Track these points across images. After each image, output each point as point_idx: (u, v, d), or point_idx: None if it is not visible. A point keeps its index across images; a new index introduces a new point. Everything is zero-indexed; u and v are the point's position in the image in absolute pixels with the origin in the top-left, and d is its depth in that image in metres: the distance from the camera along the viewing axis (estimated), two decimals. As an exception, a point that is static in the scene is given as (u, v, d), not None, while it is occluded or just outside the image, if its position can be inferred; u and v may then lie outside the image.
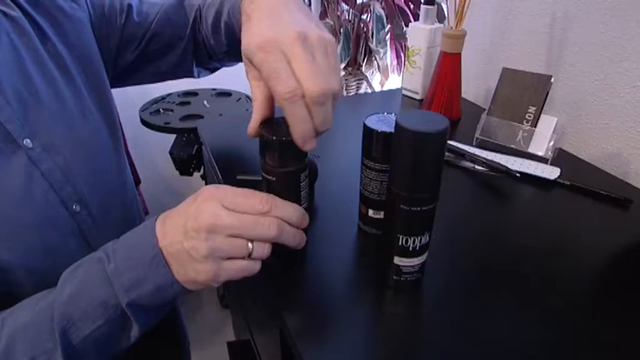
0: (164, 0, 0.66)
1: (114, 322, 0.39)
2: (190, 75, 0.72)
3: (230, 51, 0.64)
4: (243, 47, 0.40)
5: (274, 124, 0.43)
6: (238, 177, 0.61)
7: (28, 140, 0.47)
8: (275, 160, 0.42)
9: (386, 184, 0.47)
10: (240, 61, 0.60)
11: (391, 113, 0.48)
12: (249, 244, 0.38)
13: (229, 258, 0.38)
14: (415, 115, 0.38)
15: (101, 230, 0.54)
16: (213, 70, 0.75)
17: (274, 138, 0.41)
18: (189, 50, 0.67)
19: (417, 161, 0.37)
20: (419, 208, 0.39)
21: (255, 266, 0.40)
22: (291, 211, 0.41)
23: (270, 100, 0.41)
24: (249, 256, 0.38)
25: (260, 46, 0.38)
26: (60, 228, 0.50)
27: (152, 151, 1.91)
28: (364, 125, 0.46)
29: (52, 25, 0.53)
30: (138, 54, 0.65)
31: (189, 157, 1.60)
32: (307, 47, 0.38)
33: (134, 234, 0.41)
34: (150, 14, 0.65)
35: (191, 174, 1.68)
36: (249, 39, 0.40)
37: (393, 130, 0.44)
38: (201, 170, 1.70)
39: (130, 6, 0.63)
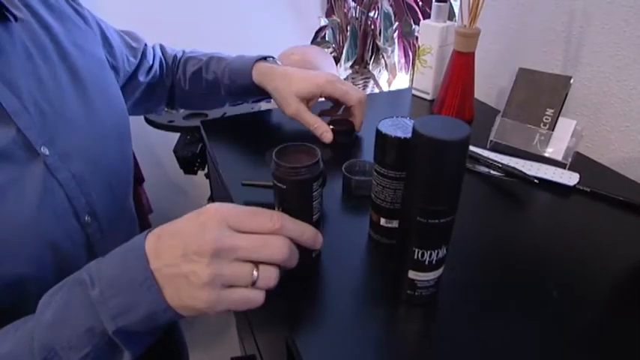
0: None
1: (101, 349, 0.36)
2: (153, 112, 0.84)
3: (203, 96, 0.79)
4: (301, 89, 0.68)
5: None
6: (243, 182, 0.58)
7: (46, 148, 0.46)
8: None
9: (400, 192, 0.45)
10: (196, 104, 0.84)
11: (405, 117, 0.45)
12: (255, 272, 0.35)
13: (230, 286, 0.35)
14: (434, 121, 0.35)
15: (108, 243, 0.52)
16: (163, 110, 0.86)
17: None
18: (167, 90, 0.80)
19: (437, 171, 0.35)
20: (437, 221, 0.36)
21: (257, 297, 0.36)
22: (303, 230, 0.38)
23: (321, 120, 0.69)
24: (254, 284, 0.35)
25: (328, 81, 0.68)
26: (72, 239, 0.49)
27: (156, 149, 1.90)
28: (377, 130, 0.44)
29: (63, 28, 0.53)
30: (145, 85, 0.75)
31: (193, 155, 1.59)
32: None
33: (120, 253, 0.38)
34: (152, 55, 0.76)
35: (195, 172, 1.66)
36: (310, 80, 0.68)
37: (408, 136, 0.42)
38: (206, 169, 1.68)
39: (145, 46, 0.75)
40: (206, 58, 0.76)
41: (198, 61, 0.76)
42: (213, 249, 0.34)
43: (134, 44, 0.72)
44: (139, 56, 0.72)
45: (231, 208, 0.36)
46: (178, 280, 0.34)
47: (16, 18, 0.48)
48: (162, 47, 0.80)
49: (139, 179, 1.84)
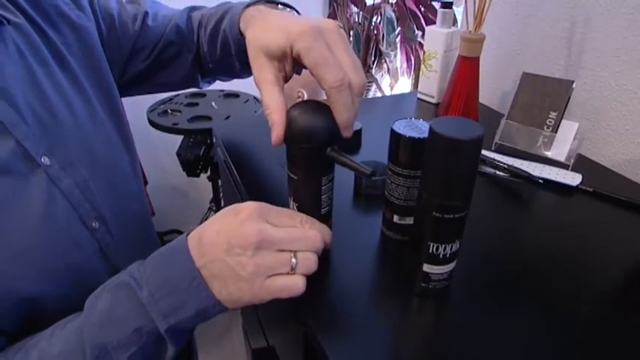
0: (174, 12, 0.67)
1: (149, 347, 0.38)
2: (196, 85, 0.73)
3: (221, 61, 0.64)
4: (267, 40, 0.42)
5: None
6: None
7: (46, 158, 0.45)
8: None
9: (413, 190, 0.47)
10: (227, 75, 0.69)
11: (418, 119, 0.47)
12: (293, 259, 0.37)
13: (273, 275, 0.37)
14: (448, 122, 0.37)
15: (119, 246, 0.52)
16: (210, 82, 0.75)
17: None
18: (195, 60, 0.67)
19: (452, 168, 0.37)
20: (451, 216, 0.38)
21: (298, 282, 0.38)
22: (325, 232, 0.42)
23: (285, 105, 0.42)
24: (292, 269, 0.37)
25: (304, 31, 0.39)
26: (83, 248, 0.48)
27: (159, 152, 1.91)
28: (392, 131, 0.45)
29: (56, 32, 0.51)
30: (149, 63, 0.65)
31: (196, 158, 1.60)
32: (344, 38, 0.40)
33: (164, 256, 0.40)
34: (163, 23, 0.65)
35: (198, 175, 1.68)
36: (283, 28, 0.41)
37: (421, 136, 0.44)
38: (208, 171, 1.69)
39: (146, 14, 0.64)
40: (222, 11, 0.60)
41: (216, 13, 0.61)
42: (256, 241, 0.36)
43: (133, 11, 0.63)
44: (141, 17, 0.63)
45: (268, 207, 0.39)
46: (225, 274, 0.36)
47: (8, 21, 0.45)
48: (188, 15, 0.66)
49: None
